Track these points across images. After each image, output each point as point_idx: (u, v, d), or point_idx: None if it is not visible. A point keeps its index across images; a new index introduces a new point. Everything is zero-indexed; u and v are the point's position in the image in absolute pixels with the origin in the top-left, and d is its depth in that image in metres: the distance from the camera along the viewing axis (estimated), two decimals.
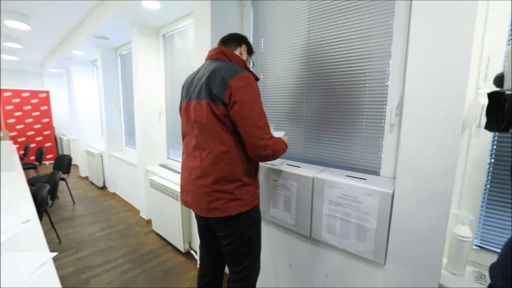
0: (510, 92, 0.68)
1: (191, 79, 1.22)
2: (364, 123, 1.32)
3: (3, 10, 2.82)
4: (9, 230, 1.28)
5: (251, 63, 1.33)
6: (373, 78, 1.26)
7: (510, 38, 0.93)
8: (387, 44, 1.20)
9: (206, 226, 1.29)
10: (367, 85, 1.29)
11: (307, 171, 1.38)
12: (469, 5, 0.83)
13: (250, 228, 1.19)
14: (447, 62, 0.88)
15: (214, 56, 1.19)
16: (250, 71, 1.18)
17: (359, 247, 1.18)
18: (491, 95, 0.75)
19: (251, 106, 1.04)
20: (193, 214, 2.25)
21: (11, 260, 1.03)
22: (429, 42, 0.92)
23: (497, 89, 0.74)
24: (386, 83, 1.22)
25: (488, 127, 0.76)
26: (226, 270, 1.34)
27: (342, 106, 1.40)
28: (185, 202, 1.25)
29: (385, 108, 1.24)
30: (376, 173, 1.30)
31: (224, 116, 1.06)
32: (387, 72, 1.21)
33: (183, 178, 1.25)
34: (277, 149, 1.13)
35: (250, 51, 1.30)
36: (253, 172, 1.20)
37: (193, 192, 1.16)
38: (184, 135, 1.26)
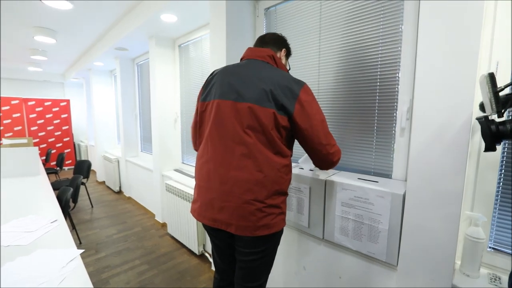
0: (481, 117, 0.77)
1: (232, 76, 1.05)
2: (376, 127, 1.35)
3: (34, 26, 3.02)
4: (40, 229, 1.37)
5: (288, 65, 1.28)
6: (384, 84, 1.30)
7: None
8: (396, 50, 1.24)
9: (225, 245, 1.16)
10: (378, 90, 1.33)
11: (319, 174, 1.42)
12: (475, 11, 0.87)
13: (278, 241, 1.13)
14: (455, 68, 0.92)
15: (263, 58, 1.09)
16: None
17: (371, 248, 1.20)
18: (478, 120, 0.82)
19: (319, 119, 1.03)
20: None
21: (43, 255, 1.11)
22: (436, 48, 0.95)
23: (484, 114, 0.81)
24: (396, 89, 1.25)
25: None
26: None
27: (354, 111, 1.43)
28: (213, 222, 1.05)
29: (395, 113, 1.27)
30: (388, 176, 1.33)
31: (283, 127, 1.00)
32: (397, 77, 1.25)
33: (212, 191, 1.04)
34: (340, 155, 1.13)
35: (288, 54, 1.25)
36: None
37: (238, 208, 0.99)
38: (215, 138, 1.04)
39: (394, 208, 1.11)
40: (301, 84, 1.02)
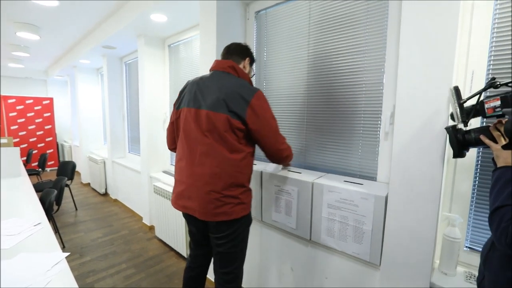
0: (449, 127, 0.87)
1: (197, 87, 1.28)
2: (361, 131, 1.42)
3: (16, 21, 2.98)
4: (22, 232, 1.37)
5: (253, 71, 1.47)
6: (369, 89, 1.37)
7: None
8: (381, 58, 1.31)
9: (199, 232, 1.38)
10: (364, 95, 1.39)
11: (307, 176, 1.47)
12: (451, 21, 0.94)
13: (245, 229, 1.34)
14: (433, 76, 0.99)
15: (226, 69, 1.29)
16: (252, 84, 1.37)
17: (356, 248, 1.26)
18: (446, 129, 0.90)
19: (268, 119, 1.24)
20: None
21: (26, 259, 1.12)
22: (415, 55, 1.03)
23: (454, 123, 0.90)
24: (381, 94, 1.32)
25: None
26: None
27: (340, 115, 1.50)
28: (183, 208, 1.30)
29: (380, 118, 1.34)
30: (373, 178, 1.39)
31: (238, 129, 1.20)
32: (381, 83, 1.32)
33: (183, 184, 1.29)
34: (291, 151, 1.38)
35: (252, 62, 1.43)
36: (251, 178, 1.36)
37: (199, 198, 1.22)
38: (184, 140, 1.29)
39: (377, 210, 1.17)
40: (254, 91, 1.22)
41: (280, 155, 1.32)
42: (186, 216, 1.36)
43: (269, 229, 1.71)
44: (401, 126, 1.08)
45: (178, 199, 1.31)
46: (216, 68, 1.32)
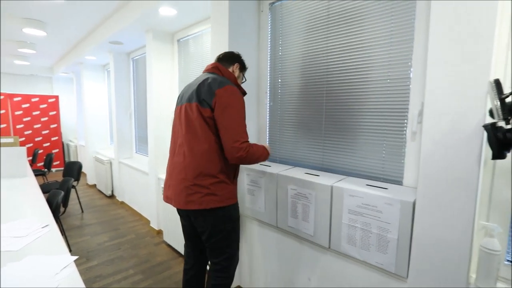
0: (488, 124, 0.82)
1: (185, 88, 1.52)
2: (385, 131, 1.40)
3: (23, 17, 3.11)
4: (30, 234, 1.43)
5: (243, 78, 1.62)
6: (394, 85, 1.34)
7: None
8: (408, 50, 1.28)
9: (189, 224, 1.54)
10: (388, 91, 1.37)
11: (326, 179, 1.46)
12: (489, 12, 0.91)
13: (227, 223, 1.44)
14: (467, 69, 0.96)
15: (210, 70, 1.49)
16: (239, 86, 1.49)
17: (380, 258, 1.24)
18: (484, 127, 0.86)
19: (231, 112, 1.32)
20: None
21: (35, 262, 1.17)
22: (448, 48, 1.00)
23: (493, 120, 0.86)
24: (408, 90, 1.30)
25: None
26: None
27: (362, 113, 1.48)
28: (166, 198, 1.49)
29: (407, 116, 1.31)
30: (398, 182, 1.37)
31: (209, 117, 1.33)
32: (408, 78, 1.29)
33: (166, 174, 1.51)
34: (252, 152, 1.35)
35: (242, 68, 1.58)
36: (231, 172, 1.44)
37: (174, 186, 1.41)
38: (172, 136, 1.53)
39: (403, 217, 1.15)
40: (225, 83, 1.36)
41: (232, 153, 1.31)
42: (177, 210, 1.54)
43: (285, 235, 1.71)
44: (431, 124, 1.06)
45: (165, 191, 1.51)
46: (205, 71, 1.53)
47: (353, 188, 1.31)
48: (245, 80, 1.66)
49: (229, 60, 1.54)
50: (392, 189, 1.27)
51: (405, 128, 1.32)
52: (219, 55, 1.58)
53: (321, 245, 1.49)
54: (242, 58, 1.59)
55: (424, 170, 1.09)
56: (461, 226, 1.01)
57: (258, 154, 1.40)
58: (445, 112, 1.02)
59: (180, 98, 1.52)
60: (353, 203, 1.31)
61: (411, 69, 1.28)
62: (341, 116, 1.58)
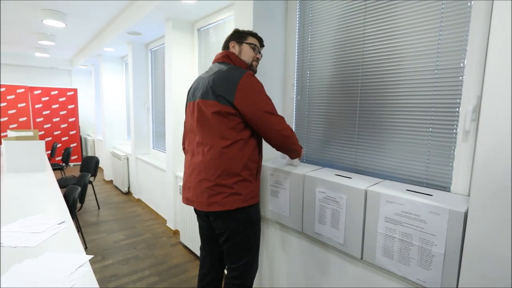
0: None
1: (196, 82, 1.51)
2: (431, 129, 1.31)
3: (43, 9, 3.26)
4: (47, 230, 1.49)
5: (257, 53, 1.54)
6: (443, 76, 1.26)
7: None
8: (461, 36, 1.19)
9: (207, 226, 1.55)
10: (435, 84, 1.28)
11: (359, 182, 1.40)
12: None
13: (247, 227, 1.45)
14: None
15: (220, 59, 1.48)
16: (250, 67, 1.52)
17: (422, 275, 1.16)
18: None
19: (261, 100, 1.35)
20: None
21: (51, 260, 1.21)
22: None
23: None
24: (460, 83, 1.20)
25: None
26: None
27: (402, 109, 1.40)
28: (186, 200, 1.49)
29: (458, 112, 1.22)
30: (445, 188, 1.28)
31: (229, 114, 1.33)
32: (461, 68, 1.20)
33: (185, 175, 1.51)
34: (293, 133, 1.45)
35: (254, 43, 1.53)
36: (254, 170, 1.45)
37: (195, 187, 1.41)
38: (187, 133, 1.54)
39: (452, 229, 1.07)
40: (242, 72, 1.35)
41: (281, 135, 1.38)
42: (194, 209, 1.55)
43: (311, 242, 1.67)
44: (489, 123, 0.97)
45: (184, 192, 1.51)
46: (215, 61, 1.51)
47: (391, 194, 1.24)
48: (260, 57, 1.59)
49: (237, 39, 1.52)
50: (438, 196, 1.19)
51: (455, 127, 1.23)
52: (226, 38, 1.56)
53: (352, 256, 1.43)
54: (253, 33, 1.55)
55: (479, 175, 1.00)
56: None
57: (297, 140, 1.49)
58: (508, 107, 0.93)
59: (192, 94, 1.50)
60: (391, 211, 1.24)
61: (465, 58, 1.18)
62: (377, 111, 1.50)
